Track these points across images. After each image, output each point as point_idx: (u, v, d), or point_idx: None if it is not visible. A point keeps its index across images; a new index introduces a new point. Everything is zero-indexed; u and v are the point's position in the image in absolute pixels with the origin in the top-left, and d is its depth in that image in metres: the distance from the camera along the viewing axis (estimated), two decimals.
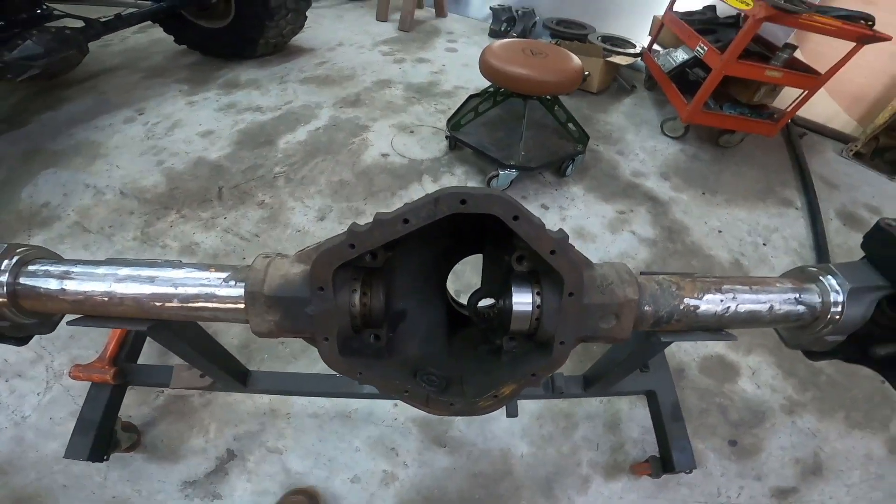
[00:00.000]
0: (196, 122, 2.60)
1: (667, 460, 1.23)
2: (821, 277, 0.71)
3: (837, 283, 0.70)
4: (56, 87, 2.93)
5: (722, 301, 0.68)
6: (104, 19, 2.80)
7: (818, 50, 3.07)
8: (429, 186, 2.26)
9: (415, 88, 3.05)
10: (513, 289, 0.60)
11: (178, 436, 1.34)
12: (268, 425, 1.39)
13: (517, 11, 4.16)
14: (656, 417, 1.29)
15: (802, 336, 0.75)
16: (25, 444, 1.29)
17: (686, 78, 3.00)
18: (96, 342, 1.52)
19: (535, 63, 2.06)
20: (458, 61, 3.44)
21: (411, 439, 1.39)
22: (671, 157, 2.76)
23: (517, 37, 4.03)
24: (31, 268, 0.62)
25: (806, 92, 2.62)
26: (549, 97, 2.35)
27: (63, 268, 0.62)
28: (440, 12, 4.53)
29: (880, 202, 2.74)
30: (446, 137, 2.56)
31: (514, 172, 2.24)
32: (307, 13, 3.33)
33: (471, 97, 2.61)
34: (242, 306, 0.60)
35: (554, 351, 0.59)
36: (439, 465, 1.35)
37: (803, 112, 3.45)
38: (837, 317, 0.69)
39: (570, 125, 2.42)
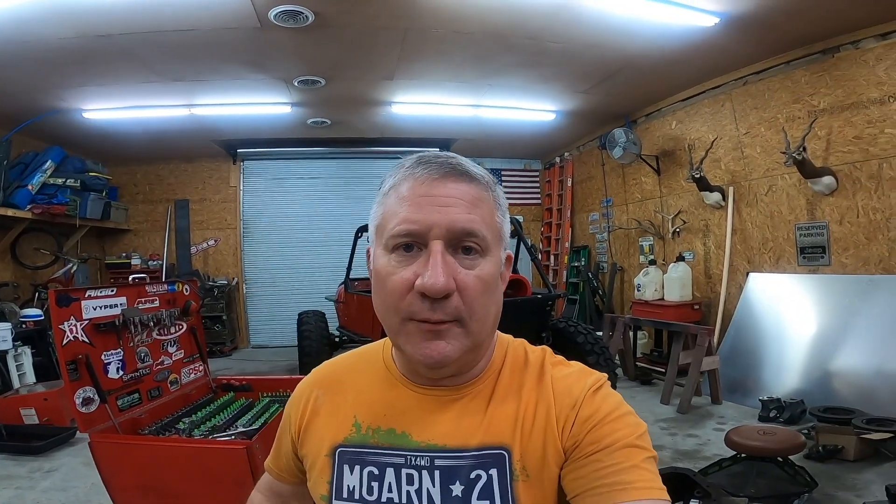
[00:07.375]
0: None
1: None
2: None
3: None
4: None
5: None
6: None
7: None
8: None
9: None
10: None
11: None
12: None
13: (784, 402, 4.85)
14: None
15: None
16: None
17: None
18: None
19: (765, 438, 3.21)
20: None
21: None
22: None
23: (783, 423, 4.59)
24: None
25: None
26: (779, 458, 3.21)
27: None
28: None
29: None
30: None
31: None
32: None
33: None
34: None
35: None
36: None
37: None
38: None
39: (800, 476, 3.11)
